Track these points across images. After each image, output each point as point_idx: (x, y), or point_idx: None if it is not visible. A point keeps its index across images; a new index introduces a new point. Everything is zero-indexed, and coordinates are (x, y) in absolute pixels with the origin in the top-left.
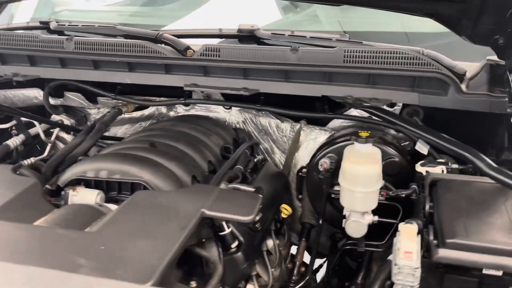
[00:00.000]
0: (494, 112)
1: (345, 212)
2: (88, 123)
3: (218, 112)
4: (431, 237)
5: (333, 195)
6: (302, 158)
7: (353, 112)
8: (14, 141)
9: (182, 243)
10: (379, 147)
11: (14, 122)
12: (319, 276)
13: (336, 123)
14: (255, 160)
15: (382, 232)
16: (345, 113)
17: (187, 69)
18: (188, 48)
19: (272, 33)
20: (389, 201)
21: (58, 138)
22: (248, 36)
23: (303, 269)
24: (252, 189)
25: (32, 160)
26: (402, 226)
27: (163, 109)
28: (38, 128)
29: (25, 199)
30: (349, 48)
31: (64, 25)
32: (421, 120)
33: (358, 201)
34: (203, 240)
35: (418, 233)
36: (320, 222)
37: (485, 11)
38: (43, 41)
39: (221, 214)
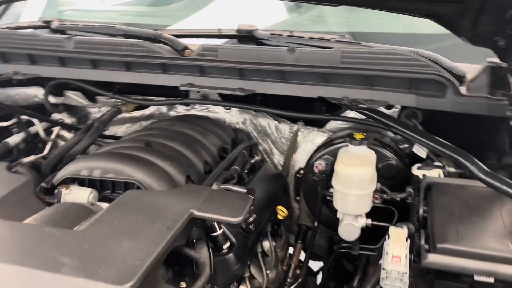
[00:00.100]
0: (494, 115)
1: (338, 215)
2: (89, 122)
3: (218, 112)
4: (422, 242)
5: (328, 197)
6: (300, 159)
7: (351, 113)
8: (13, 139)
9: (167, 244)
10: (375, 149)
11: (14, 120)
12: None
13: (334, 124)
14: (252, 161)
15: (378, 236)
16: (343, 114)
17: (184, 69)
18: (186, 48)
19: (270, 34)
20: (385, 205)
21: (59, 136)
22: (247, 37)
23: (298, 271)
24: (244, 190)
25: (32, 158)
26: (391, 230)
27: (164, 109)
28: (38, 127)
29: (17, 196)
30: (346, 49)
31: (66, 24)
32: (419, 123)
33: (351, 204)
34: (194, 240)
35: (409, 238)
36: (316, 224)
37: (484, 11)
38: (43, 40)
39: (210, 215)
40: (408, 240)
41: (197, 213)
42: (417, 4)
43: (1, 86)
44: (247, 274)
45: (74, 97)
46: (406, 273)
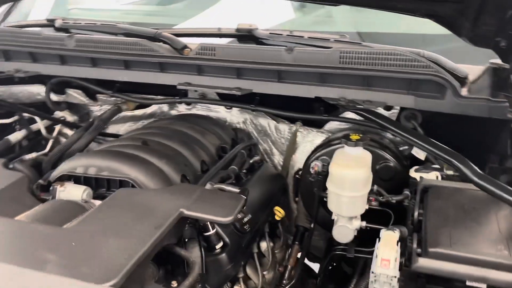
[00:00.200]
0: (495, 118)
1: (333, 217)
2: (91, 120)
3: (219, 112)
4: (415, 245)
5: (325, 199)
6: (300, 160)
7: (350, 114)
8: (15, 136)
9: (154, 243)
10: (373, 151)
11: (16, 117)
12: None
13: (333, 125)
14: (251, 161)
15: (375, 238)
16: (342, 115)
17: (181, 67)
18: (185, 47)
19: (270, 33)
20: (382, 207)
21: (61, 134)
22: (246, 36)
23: (293, 272)
24: (237, 190)
25: (34, 155)
26: (382, 233)
27: (166, 108)
28: (40, 124)
29: (11, 193)
30: (345, 49)
31: (69, 23)
32: (419, 124)
33: (344, 205)
34: (186, 240)
35: (402, 241)
36: (312, 226)
37: (484, 11)
38: (45, 38)
39: (199, 214)
40: (399, 243)
41: (187, 212)
42: (417, 3)
43: (5, 83)
44: (241, 275)
45: (76, 95)
46: (395, 277)
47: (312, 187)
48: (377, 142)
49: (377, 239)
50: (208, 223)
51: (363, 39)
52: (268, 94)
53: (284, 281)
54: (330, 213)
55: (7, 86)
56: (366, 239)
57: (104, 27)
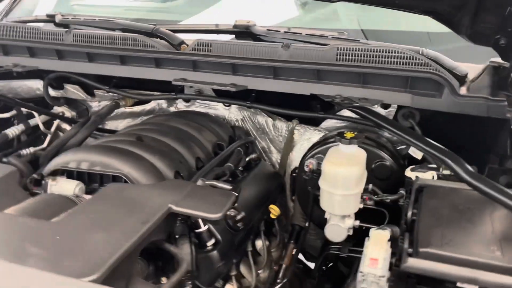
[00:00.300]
0: (495, 117)
1: (326, 215)
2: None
3: (218, 109)
4: (406, 245)
5: (319, 197)
6: (297, 158)
7: (347, 112)
8: (13, 131)
9: (140, 238)
10: (369, 149)
11: (14, 112)
12: None
13: (329, 123)
14: (248, 158)
15: None
16: (340, 113)
17: (177, 63)
18: (182, 42)
19: (267, 30)
20: (377, 206)
21: (59, 129)
22: (244, 32)
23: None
24: (228, 187)
25: (31, 150)
26: (372, 232)
27: (164, 105)
28: (37, 119)
29: (0, 186)
30: (342, 46)
31: (68, 18)
32: (417, 123)
33: (337, 204)
34: (177, 236)
35: (394, 241)
36: (307, 224)
37: (482, 8)
38: (43, 33)
39: (188, 210)
40: (389, 243)
41: (176, 208)
42: (415, 0)
43: (4, 78)
44: (234, 273)
45: (74, 91)
46: (383, 276)
47: (307, 185)
48: (374, 141)
49: (366, 238)
50: (200, 219)
51: (367, 37)
52: (266, 91)
53: (278, 280)
54: None
55: (7, 80)
56: (363, 239)
57: (102, 23)
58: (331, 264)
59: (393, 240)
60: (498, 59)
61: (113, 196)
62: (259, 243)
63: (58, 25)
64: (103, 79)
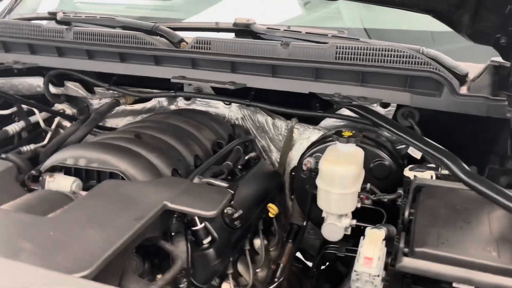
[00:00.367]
0: (495, 117)
1: (323, 214)
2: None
3: (218, 107)
4: (401, 245)
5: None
6: (296, 157)
7: (346, 111)
8: (13, 128)
9: (133, 235)
10: (368, 149)
11: (14, 109)
12: None
13: (329, 122)
14: (247, 157)
15: None
16: (339, 112)
17: (176, 61)
18: (182, 40)
19: (267, 28)
20: (375, 206)
21: (60, 126)
22: (243, 30)
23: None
24: (225, 185)
25: (32, 146)
26: (367, 231)
27: (165, 103)
28: (38, 116)
29: None
30: (342, 44)
31: (69, 16)
32: (416, 123)
33: (334, 202)
34: (173, 234)
35: (390, 240)
36: (304, 223)
37: (482, 6)
38: (44, 30)
39: (183, 208)
40: (384, 242)
41: (171, 205)
42: None
43: (6, 75)
44: (230, 271)
45: (74, 88)
46: (378, 275)
47: (304, 184)
48: (373, 140)
49: (362, 237)
50: (196, 217)
51: (370, 36)
52: (265, 90)
53: (276, 279)
54: None
55: (8, 78)
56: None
57: (103, 20)
58: (330, 264)
59: (389, 240)
60: (499, 59)
61: (108, 192)
62: (257, 242)
63: (59, 22)
64: (104, 77)
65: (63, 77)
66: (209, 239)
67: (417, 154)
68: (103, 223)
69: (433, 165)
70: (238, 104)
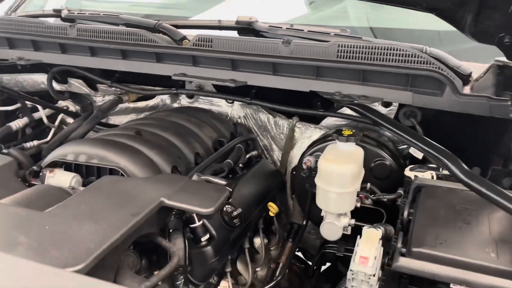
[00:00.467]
0: (498, 117)
1: (322, 214)
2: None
3: (221, 106)
4: (399, 245)
5: None
6: (297, 156)
7: (348, 110)
8: (16, 123)
9: (129, 230)
10: (369, 148)
11: (18, 105)
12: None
13: (330, 121)
14: (248, 155)
15: None
16: (340, 111)
17: (177, 58)
18: (184, 38)
19: (269, 26)
20: (375, 205)
21: (64, 123)
22: (246, 29)
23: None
24: (223, 182)
25: (35, 142)
26: (364, 230)
27: (168, 100)
28: (41, 113)
29: None
30: (343, 42)
31: (74, 13)
32: (418, 123)
33: (332, 201)
34: (171, 230)
35: (388, 240)
36: (304, 222)
37: (485, 5)
38: (48, 27)
39: (180, 204)
40: (381, 241)
41: (168, 202)
42: None
43: (10, 72)
44: (229, 269)
45: (77, 85)
46: (374, 275)
47: (304, 183)
48: (374, 140)
49: (358, 236)
50: (194, 214)
51: (376, 35)
52: (267, 88)
53: (275, 278)
54: None
55: (13, 74)
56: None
57: (107, 18)
58: (330, 264)
59: (387, 240)
60: (503, 58)
61: (106, 188)
62: (257, 241)
63: (64, 19)
64: (107, 74)
65: (66, 74)
66: (207, 236)
67: (419, 154)
68: (99, 219)
69: (434, 165)
70: (240, 103)
